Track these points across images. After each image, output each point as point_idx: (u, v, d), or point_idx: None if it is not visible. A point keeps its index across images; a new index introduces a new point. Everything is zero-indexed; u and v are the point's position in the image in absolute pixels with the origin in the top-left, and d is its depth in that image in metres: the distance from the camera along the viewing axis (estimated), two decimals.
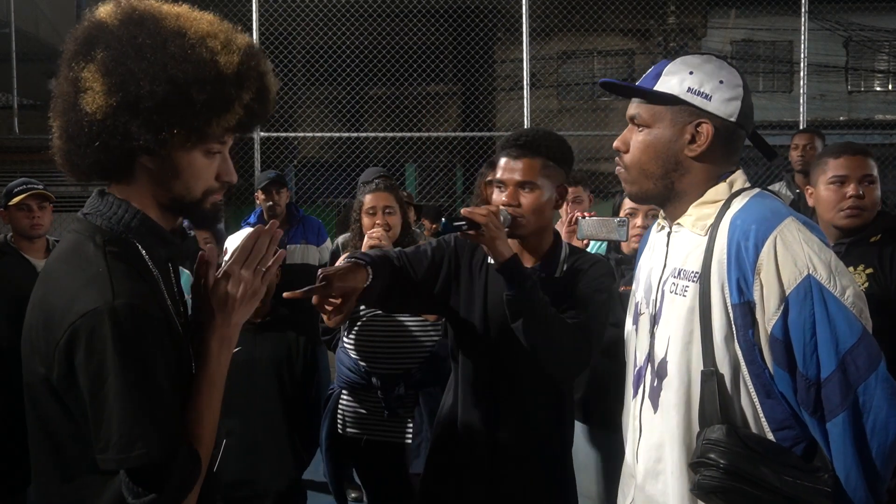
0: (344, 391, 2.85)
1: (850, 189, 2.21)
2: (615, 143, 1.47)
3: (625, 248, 2.46)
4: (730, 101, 1.37)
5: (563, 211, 3.84)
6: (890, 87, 14.79)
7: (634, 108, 1.44)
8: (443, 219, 1.73)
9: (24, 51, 7.39)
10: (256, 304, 1.30)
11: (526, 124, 6.91)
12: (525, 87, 7.02)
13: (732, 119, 1.38)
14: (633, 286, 1.61)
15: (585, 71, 13.77)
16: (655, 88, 1.40)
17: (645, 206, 2.51)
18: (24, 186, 3.28)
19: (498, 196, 1.84)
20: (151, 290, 1.17)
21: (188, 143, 1.17)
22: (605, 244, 2.84)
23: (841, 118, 13.65)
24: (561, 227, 2.87)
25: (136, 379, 1.09)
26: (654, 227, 1.58)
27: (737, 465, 1.22)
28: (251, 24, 6.56)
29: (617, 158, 1.48)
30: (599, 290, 1.85)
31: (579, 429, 2.56)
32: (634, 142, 1.43)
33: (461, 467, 1.92)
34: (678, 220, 1.44)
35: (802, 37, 6.90)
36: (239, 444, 2.37)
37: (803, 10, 6.87)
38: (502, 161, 1.86)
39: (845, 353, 1.22)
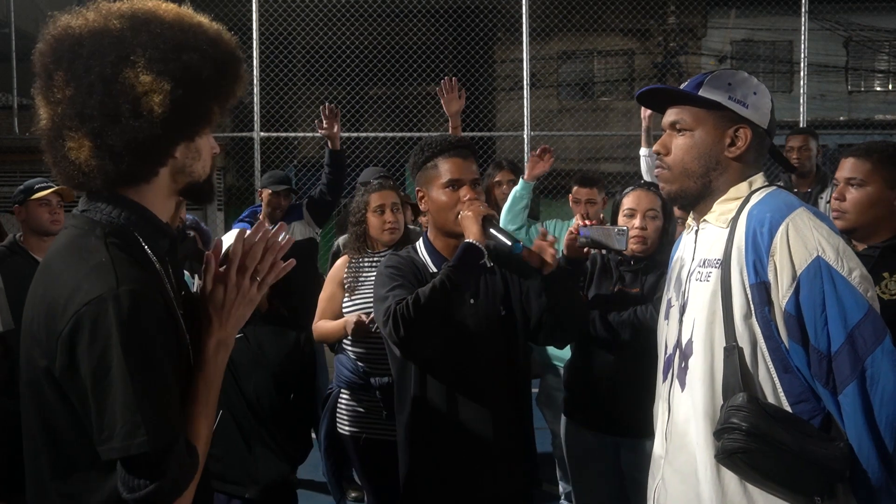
0: (343, 390, 2.86)
1: (836, 192, 2.18)
2: (654, 147, 1.62)
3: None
4: (762, 110, 1.55)
5: (575, 211, 3.84)
6: (890, 87, 14.79)
7: (676, 113, 1.59)
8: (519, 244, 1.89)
9: (24, 51, 7.38)
10: (251, 310, 1.33)
11: (526, 124, 6.91)
12: (525, 87, 7.02)
13: (764, 126, 1.55)
14: (665, 286, 1.76)
15: (585, 71, 13.78)
16: (700, 94, 1.55)
17: (644, 206, 2.51)
18: (47, 183, 3.31)
19: (471, 192, 1.98)
20: (154, 278, 1.19)
21: (218, 119, 1.28)
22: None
23: (841, 118, 13.65)
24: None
25: (140, 366, 1.09)
26: (684, 233, 1.73)
27: (758, 426, 1.32)
28: (251, 24, 6.56)
29: (658, 160, 1.62)
30: None
31: (577, 431, 2.58)
32: (677, 145, 1.58)
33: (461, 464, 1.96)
34: (704, 218, 1.59)
35: (802, 37, 6.90)
36: (230, 430, 2.38)
37: (803, 10, 6.87)
38: (452, 164, 2.00)
39: (853, 328, 1.33)
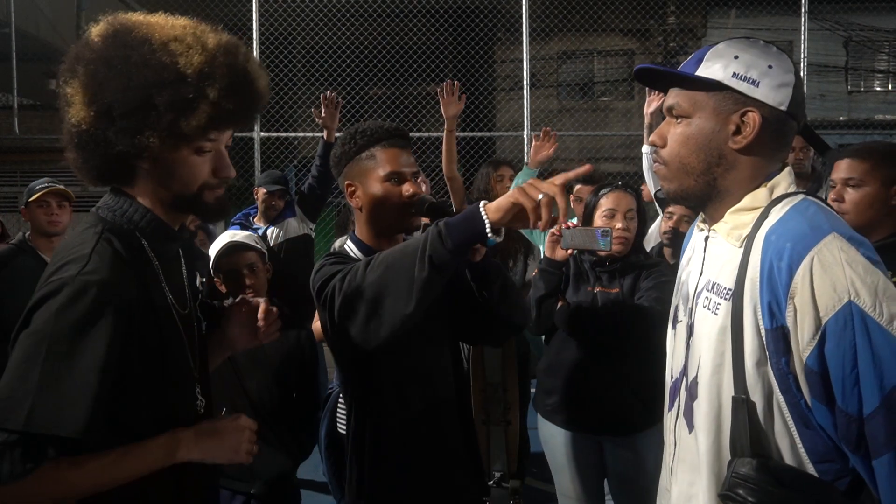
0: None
1: (833, 193, 2.12)
2: (651, 139, 1.37)
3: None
4: (780, 87, 1.24)
5: (577, 209, 3.84)
6: (890, 87, 14.78)
7: (672, 97, 1.32)
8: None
9: (24, 51, 7.39)
10: (225, 458, 1.33)
11: (526, 124, 6.91)
12: (525, 87, 7.03)
13: (783, 108, 1.25)
14: (675, 288, 1.51)
15: (585, 71, 13.78)
16: (697, 74, 1.27)
17: (624, 207, 2.50)
18: (46, 184, 3.33)
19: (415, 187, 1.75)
20: (137, 279, 1.22)
21: (166, 145, 1.21)
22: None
23: (841, 118, 13.65)
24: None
25: (56, 351, 1.10)
26: (695, 227, 1.47)
27: None
28: (251, 24, 6.56)
29: (654, 155, 1.37)
30: None
31: (556, 431, 2.59)
32: (673, 134, 1.31)
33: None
34: (714, 227, 1.33)
35: (802, 37, 6.92)
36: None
37: (803, 10, 6.88)
38: (392, 154, 1.76)
39: (892, 389, 1.08)
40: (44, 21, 8.57)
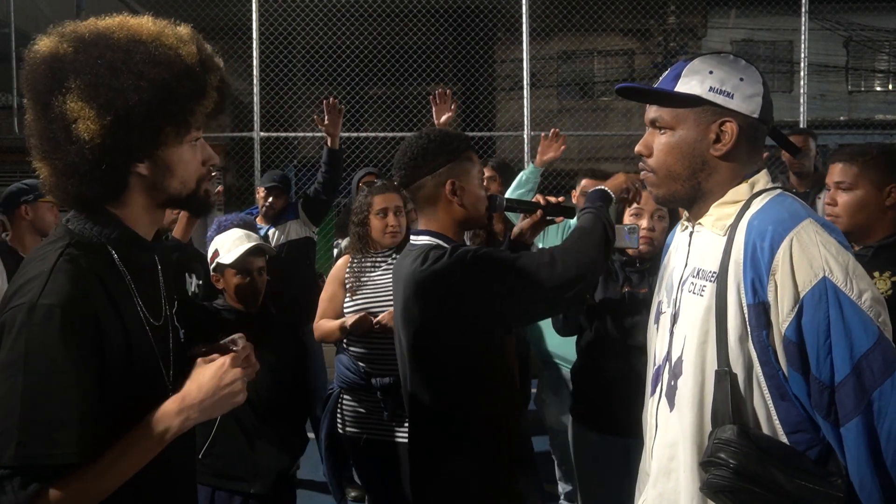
0: (344, 391, 2.86)
1: (827, 197, 2.19)
2: (637, 148, 1.47)
3: (630, 251, 2.43)
4: (751, 97, 1.37)
5: (579, 203, 3.84)
6: (890, 87, 14.80)
7: (655, 111, 1.43)
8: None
9: (25, 51, 7.38)
10: (223, 409, 1.28)
11: (526, 124, 6.91)
12: (525, 87, 7.02)
13: (755, 115, 1.38)
14: (657, 286, 1.62)
15: (585, 71, 13.78)
16: (676, 90, 1.39)
17: (651, 206, 2.47)
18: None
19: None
20: (105, 294, 1.18)
21: (178, 138, 1.22)
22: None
23: (841, 118, 13.66)
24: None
25: (31, 381, 1.08)
26: (679, 227, 1.59)
27: (746, 466, 1.21)
28: (251, 24, 6.56)
29: (641, 163, 1.48)
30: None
31: (589, 435, 2.57)
32: (658, 144, 1.43)
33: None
34: (699, 220, 1.44)
35: (802, 37, 6.91)
36: (231, 427, 2.42)
37: (803, 9, 6.88)
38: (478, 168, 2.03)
39: (860, 358, 1.20)
40: (44, 21, 8.55)
